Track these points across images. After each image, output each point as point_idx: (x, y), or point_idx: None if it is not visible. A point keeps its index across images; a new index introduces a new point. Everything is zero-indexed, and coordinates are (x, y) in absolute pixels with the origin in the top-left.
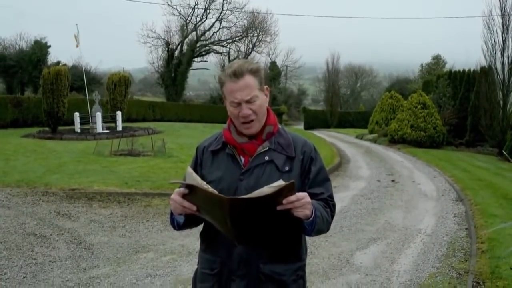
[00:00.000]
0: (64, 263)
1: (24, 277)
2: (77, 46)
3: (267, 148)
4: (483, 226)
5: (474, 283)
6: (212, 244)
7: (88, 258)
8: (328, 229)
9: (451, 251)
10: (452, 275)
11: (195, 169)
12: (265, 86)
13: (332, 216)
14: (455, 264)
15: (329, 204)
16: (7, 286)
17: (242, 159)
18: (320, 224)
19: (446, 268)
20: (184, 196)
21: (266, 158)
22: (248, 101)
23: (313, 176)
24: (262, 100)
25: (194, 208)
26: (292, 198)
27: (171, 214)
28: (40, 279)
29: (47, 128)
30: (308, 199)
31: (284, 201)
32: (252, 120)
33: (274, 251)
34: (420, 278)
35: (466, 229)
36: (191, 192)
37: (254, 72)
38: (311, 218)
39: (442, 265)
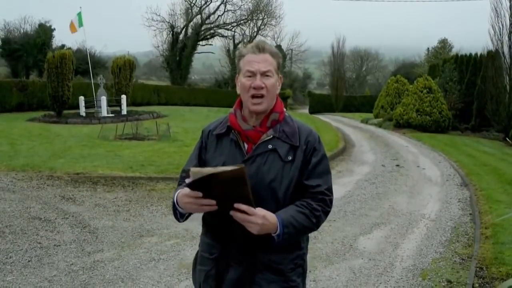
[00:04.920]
0: (69, 247)
1: (29, 261)
2: (74, 31)
3: (271, 136)
4: (488, 211)
5: (477, 269)
6: (212, 228)
7: (93, 242)
8: (314, 229)
9: (455, 237)
10: (455, 261)
11: (199, 153)
12: (280, 75)
13: (325, 212)
14: (459, 250)
15: (324, 199)
16: (12, 269)
17: (246, 145)
18: (292, 236)
19: (449, 254)
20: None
21: (270, 146)
22: (263, 74)
23: (312, 167)
24: (275, 81)
25: (214, 202)
26: (243, 207)
27: (174, 207)
28: (45, 262)
29: (52, 112)
30: (259, 220)
31: (235, 205)
32: (262, 96)
33: (271, 240)
34: (423, 263)
35: (470, 214)
36: (205, 187)
37: (274, 54)
38: (276, 232)
39: (445, 250)
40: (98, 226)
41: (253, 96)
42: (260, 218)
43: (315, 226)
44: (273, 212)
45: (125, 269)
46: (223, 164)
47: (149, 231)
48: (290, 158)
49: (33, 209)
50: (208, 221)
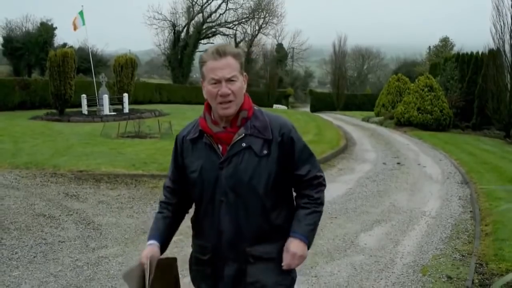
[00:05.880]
0: (73, 243)
1: (34, 257)
2: (75, 30)
3: (243, 134)
4: (488, 209)
5: (477, 265)
6: (202, 230)
7: (97, 238)
8: (322, 211)
9: (455, 233)
10: (455, 257)
11: (175, 159)
12: (244, 74)
13: (323, 191)
14: (459, 246)
15: (320, 183)
16: (18, 265)
17: (220, 147)
18: (315, 235)
19: (449, 250)
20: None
21: (243, 145)
22: (228, 80)
23: (297, 156)
24: (241, 83)
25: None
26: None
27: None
28: (50, 258)
29: (54, 111)
30: (294, 259)
31: (285, 265)
32: (230, 101)
33: (259, 235)
34: (423, 259)
35: (470, 211)
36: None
37: (236, 55)
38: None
39: (445, 247)
40: (102, 222)
41: (221, 103)
42: (290, 256)
43: (322, 209)
44: (259, 208)
45: (129, 265)
46: (202, 167)
47: None
48: (265, 152)
49: (37, 206)
50: (197, 223)
